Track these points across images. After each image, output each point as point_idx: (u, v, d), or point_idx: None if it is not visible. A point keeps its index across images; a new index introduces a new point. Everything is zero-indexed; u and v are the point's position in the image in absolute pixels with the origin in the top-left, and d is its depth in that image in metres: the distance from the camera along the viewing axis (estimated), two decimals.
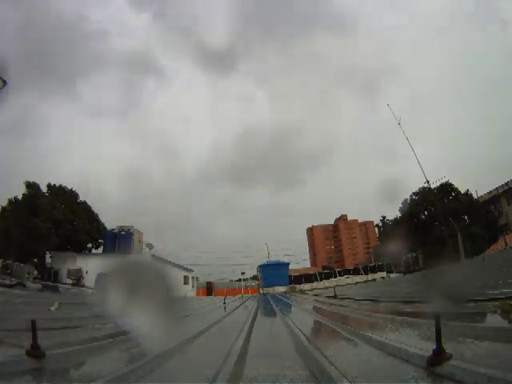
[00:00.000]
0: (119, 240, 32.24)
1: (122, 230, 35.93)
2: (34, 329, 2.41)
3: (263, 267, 35.49)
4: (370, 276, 32.19)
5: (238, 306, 12.10)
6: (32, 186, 29.33)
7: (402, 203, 38.60)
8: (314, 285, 32.19)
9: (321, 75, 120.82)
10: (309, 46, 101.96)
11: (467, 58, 77.98)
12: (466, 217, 32.90)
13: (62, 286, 19.55)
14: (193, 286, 39.92)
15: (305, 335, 3.63)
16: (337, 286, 23.02)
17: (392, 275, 30.31)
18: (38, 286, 14.56)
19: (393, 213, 39.35)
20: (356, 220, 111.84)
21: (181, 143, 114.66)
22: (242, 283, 43.91)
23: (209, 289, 43.82)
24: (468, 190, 34.57)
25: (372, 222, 78.60)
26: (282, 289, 29.21)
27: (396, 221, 38.65)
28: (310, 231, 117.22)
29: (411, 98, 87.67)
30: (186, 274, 38.39)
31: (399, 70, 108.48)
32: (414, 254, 32.85)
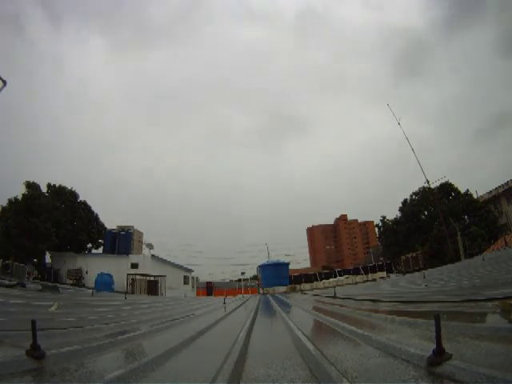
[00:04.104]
0: (119, 240, 32.23)
1: (122, 230, 35.97)
2: (33, 329, 2.41)
3: (263, 267, 35.47)
4: (370, 276, 32.19)
5: (238, 306, 12.09)
6: (32, 186, 29.35)
7: (402, 203, 38.69)
8: (314, 285, 32.19)
9: None
10: None
11: None
12: (465, 217, 32.94)
13: (61, 286, 19.53)
14: (193, 286, 39.97)
15: (305, 335, 3.62)
16: (337, 285, 23.05)
17: (392, 275, 30.32)
18: (38, 286, 14.55)
19: (393, 213, 39.44)
20: (356, 220, 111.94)
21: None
22: (242, 283, 43.97)
23: (209, 289, 43.92)
24: (468, 190, 34.62)
25: (372, 221, 78.75)
26: (282, 289, 29.20)
27: (396, 221, 38.71)
28: (310, 231, 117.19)
29: None
30: (185, 274, 38.42)
31: None
32: (414, 254, 32.91)
